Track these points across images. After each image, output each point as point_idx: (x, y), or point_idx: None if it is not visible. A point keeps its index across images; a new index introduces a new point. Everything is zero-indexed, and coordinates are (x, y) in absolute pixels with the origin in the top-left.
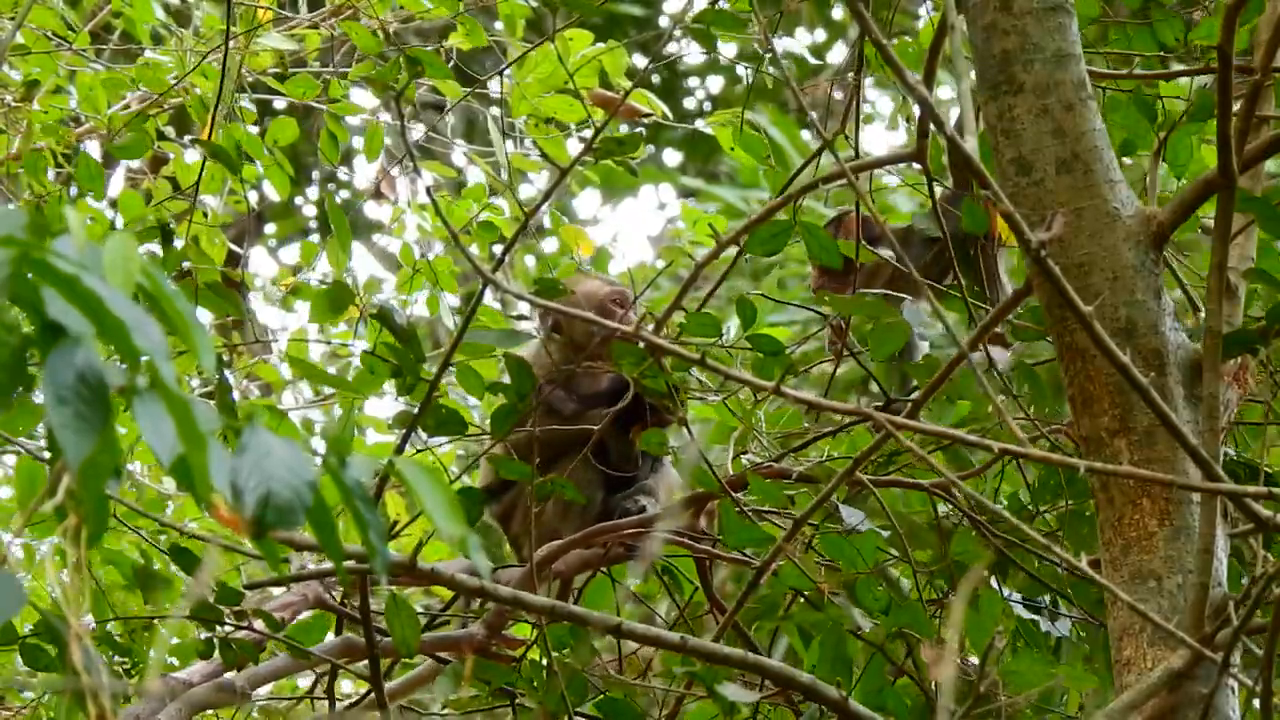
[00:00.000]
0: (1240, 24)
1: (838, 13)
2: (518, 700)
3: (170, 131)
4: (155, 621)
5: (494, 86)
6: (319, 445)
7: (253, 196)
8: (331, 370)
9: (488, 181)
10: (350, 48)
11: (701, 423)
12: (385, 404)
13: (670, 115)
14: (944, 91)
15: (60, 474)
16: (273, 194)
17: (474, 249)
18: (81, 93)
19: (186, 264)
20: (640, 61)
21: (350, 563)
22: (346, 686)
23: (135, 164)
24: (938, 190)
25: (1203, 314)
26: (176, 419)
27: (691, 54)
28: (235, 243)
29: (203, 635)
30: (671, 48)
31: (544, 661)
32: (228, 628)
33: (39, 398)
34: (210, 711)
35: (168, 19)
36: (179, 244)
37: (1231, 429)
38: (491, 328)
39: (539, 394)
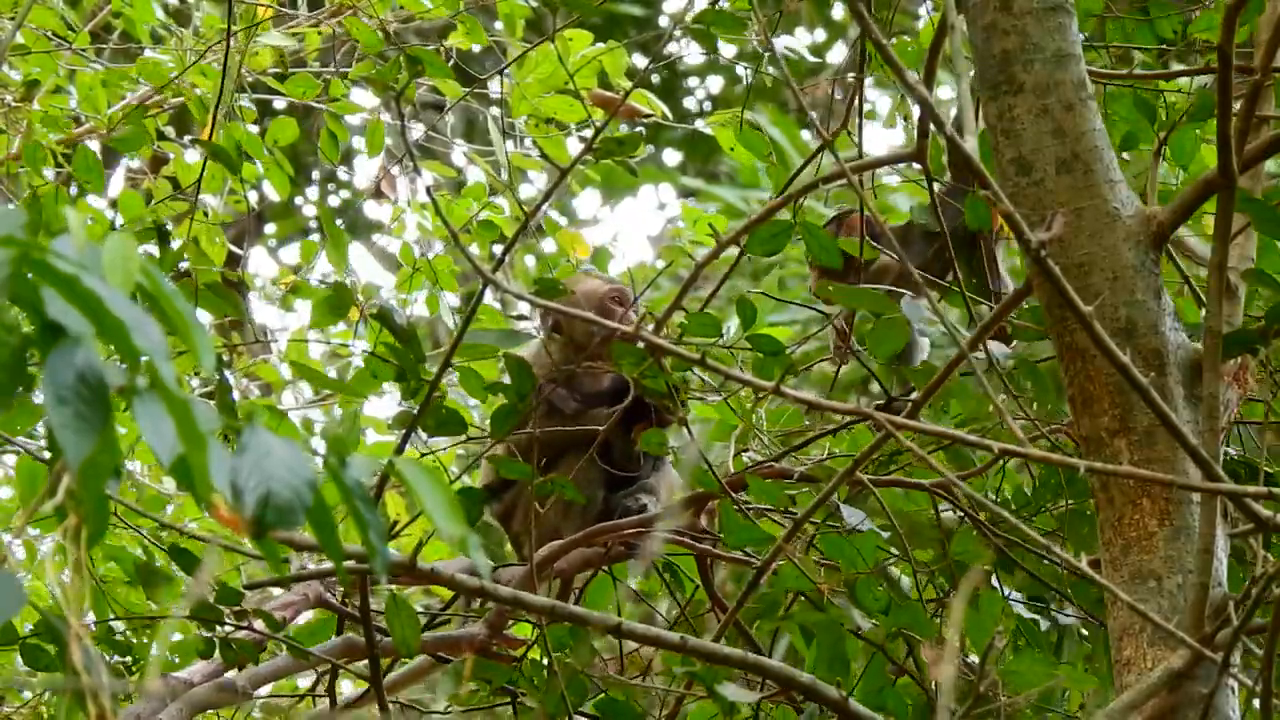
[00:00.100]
0: (1240, 24)
1: (838, 12)
2: (519, 700)
3: (170, 131)
4: (156, 621)
5: (494, 86)
6: (319, 445)
7: (253, 196)
8: (331, 370)
9: (488, 181)
10: (350, 47)
11: (702, 422)
12: (385, 404)
13: (670, 115)
14: (944, 91)
15: (60, 474)
16: (273, 194)
17: (474, 248)
18: (81, 93)
19: (185, 264)
20: (640, 61)
21: (350, 563)
22: (346, 686)
23: (135, 164)
24: (937, 185)
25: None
26: (176, 419)
27: (691, 54)
28: (235, 243)
29: (203, 635)
30: (671, 48)
31: (545, 661)
32: (228, 627)
33: (39, 398)
34: (211, 711)
35: (168, 19)
36: (178, 244)
37: (1232, 428)
38: (491, 328)
39: (540, 394)
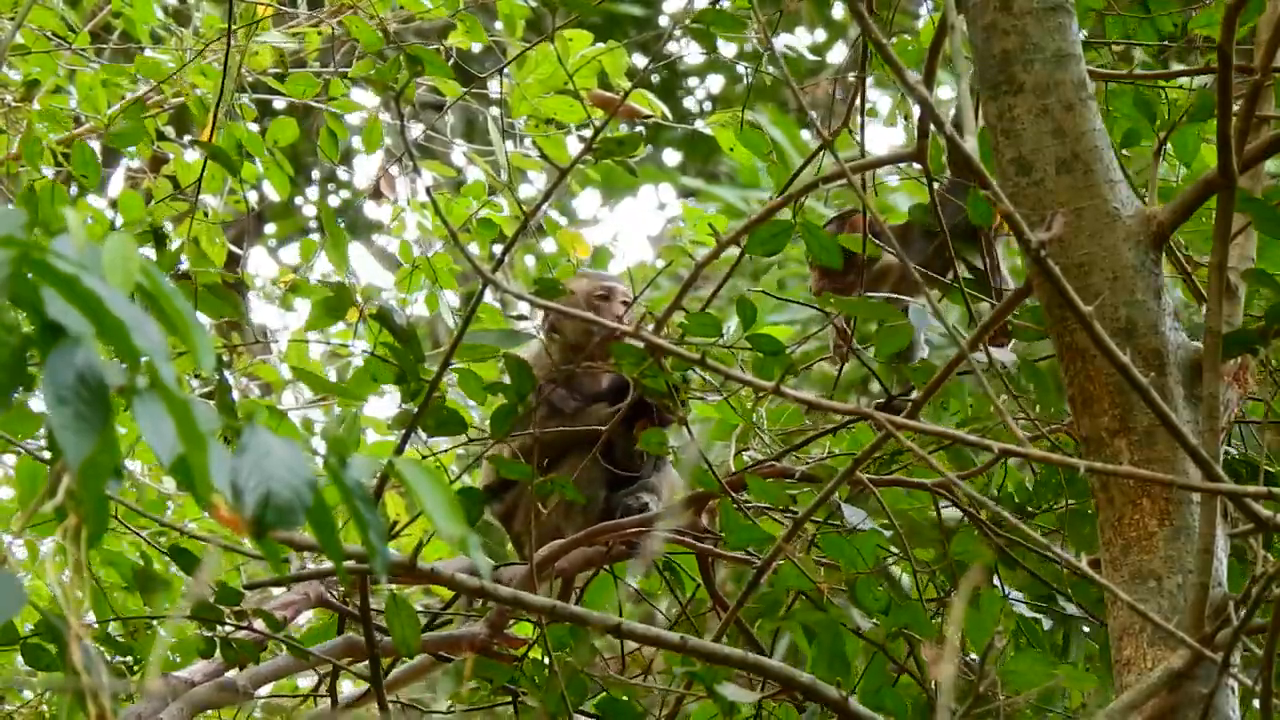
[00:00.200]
0: (1240, 23)
1: (838, 12)
2: (520, 700)
3: (170, 131)
4: (155, 623)
5: (494, 86)
6: (319, 445)
7: (252, 196)
8: (331, 370)
9: (487, 180)
10: (350, 47)
11: (702, 422)
12: (385, 404)
13: (670, 115)
14: (944, 91)
15: (60, 474)
16: (273, 194)
17: (474, 247)
18: (81, 93)
19: (185, 263)
20: (640, 61)
21: (350, 563)
22: (346, 686)
23: (135, 164)
24: (937, 184)
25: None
26: (176, 419)
27: (691, 54)
28: (235, 243)
29: (203, 635)
30: (671, 47)
31: (545, 660)
32: (228, 627)
33: (37, 406)
34: (212, 711)
35: (168, 19)
36: (178, 244)
37: (1232, 427)
38: (491, 328)
39: (540, 394)
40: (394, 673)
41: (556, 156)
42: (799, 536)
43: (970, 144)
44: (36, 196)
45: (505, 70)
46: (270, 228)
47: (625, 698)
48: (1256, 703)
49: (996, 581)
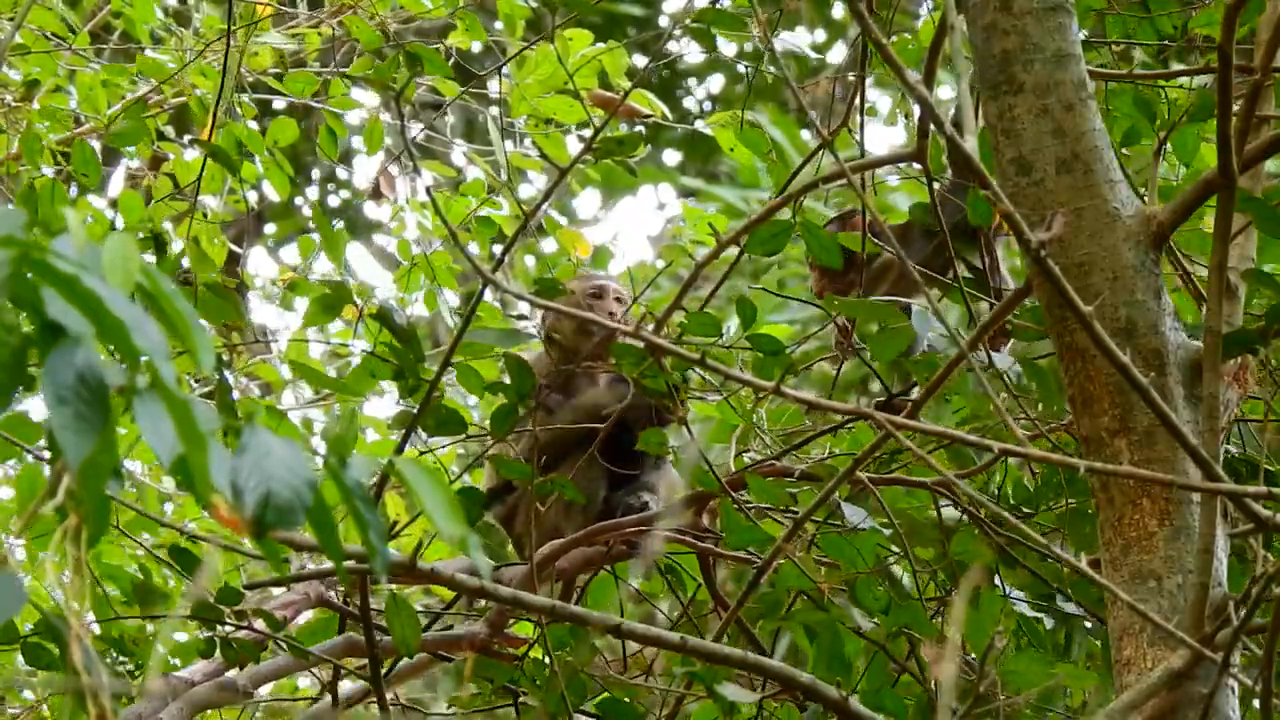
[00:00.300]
0: (1240, 23)
1: (838, 12)
2: (521, 700)
3: (170, 131)
4: (155, 627)
5: (493, 86)
6: (319, 445)
7: (252, 196)
8: (331, 370)
9: (487, 180)
10: (350, 47)
11: (702, 422)
12: (385, 404)
13: (670, 115)
14: (944, 91)
15: (60, 474)
16: (273, 194)
17: (473, 247)
18: (81, 93)
19: (185, 263)
20: (640, 61)
21: (350, 563)
22: (345, 686)
23: (135, 163)
24: (937, 183)
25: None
26: (176, 419)
27: (692, 54)
28: (235, 243)
29: (203, 635)
30: (671, 47)
31: (546, 660)
32: (228, 627)
33: (36, 415)
34: (212, 710)
35: (168, 19)
36: (178, 244)
37: (1232, 427)
38: (492, 327)
39: (535, 396)
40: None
41: (556, 156)
42: (799, 536)
43: (970, 144)
44: (36, 195)
45: (505, 70)
46: (270, 228)
47: (626, 698)
48: (1256, 703)
49: (997, 581)
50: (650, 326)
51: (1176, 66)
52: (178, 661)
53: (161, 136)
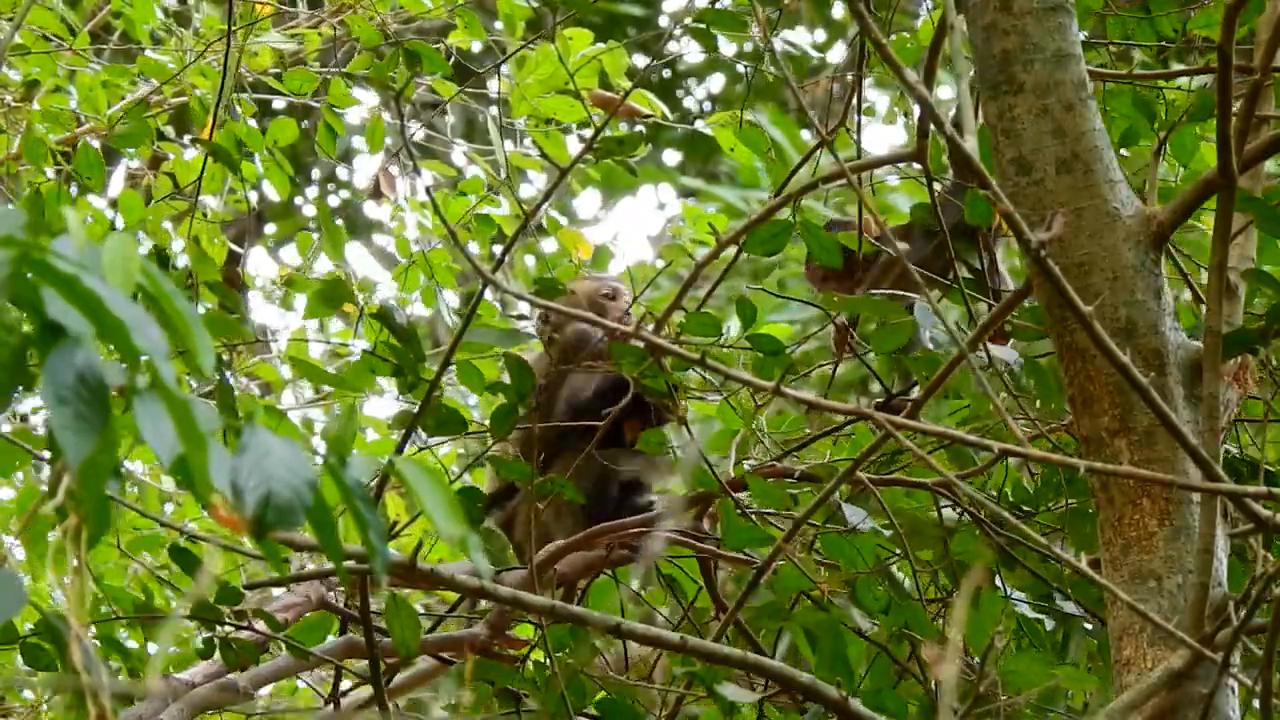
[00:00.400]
0: (1240, 23)
1: (838, 12)
2: (522, 704)
3: (170, 131)
4: (156, 626)
5: (493, 86)
6: (319, 445)
7: (253, 196)
8: (331, 370)
9: (486, 178)
10: (350, 48)
11: (702, 422)
12: (385, 404)
13: (670, 115)
14: (944, 91)
15: (60, 474)
16: (273, 194)
17: (473, 246)
18: (81, 93)
19: (184, 261)
20: (640, 61)
21: (350, 563)
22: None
23: (135, 163)
24: (938, 185)
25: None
26: (176, 419)
27: (692, 53)
28: (235, 243)
29: (203, 636)
30: (671, 47)
31: (546, 661)
32: (228, 628)
33: (36, 428)
34: (213, 712)
35: (168, 20)
36: (178, 244)
37: (1232, 427)
38: (492, 326)
39: (539, 396)
40: (398, 680)
41: (556, 156)
42: (800, 538)
43: (970, 144)
44: (42, 200)
45: (505, 69)
46: (270, 228)
47: (626, 699)
48: (1256, 703)
49: (998, 582)
50: (650, 326)
51: (1176, 67)
52: (173, 670)
53: (161, 136)
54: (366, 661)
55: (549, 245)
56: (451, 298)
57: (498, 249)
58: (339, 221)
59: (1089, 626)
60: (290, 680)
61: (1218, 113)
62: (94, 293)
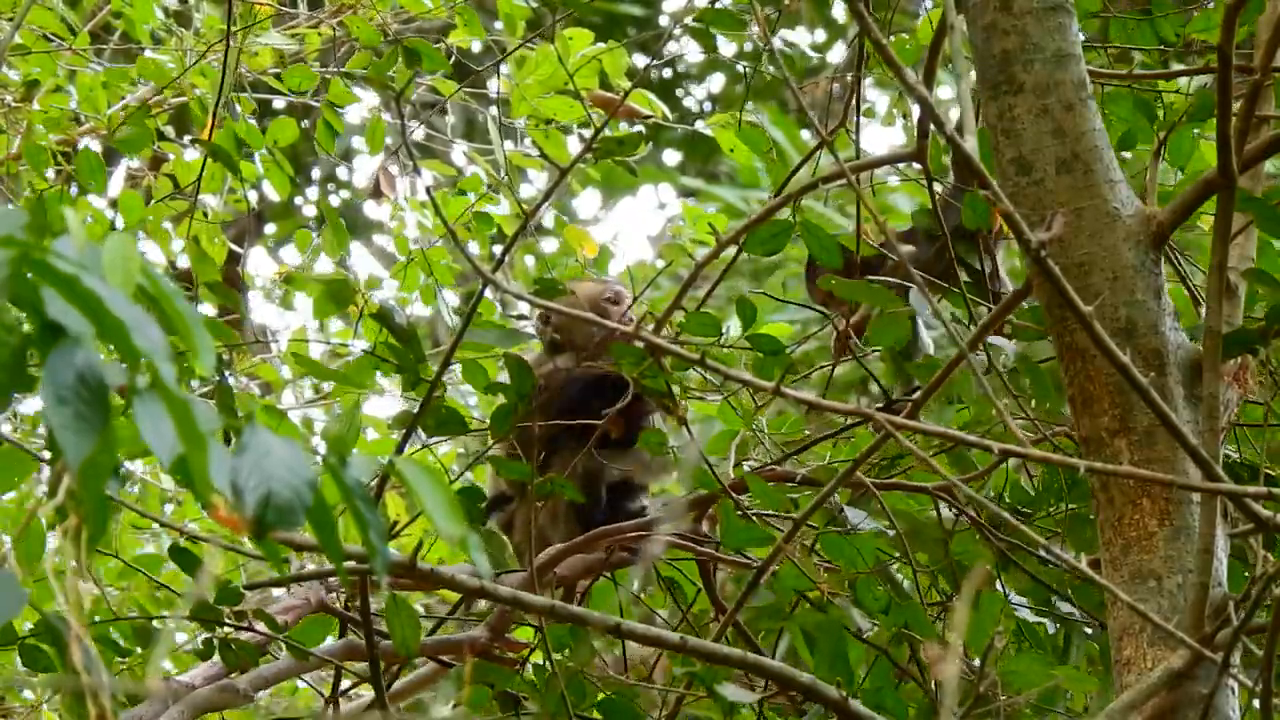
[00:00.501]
0: (1240, 24)
1: (838, 12)
2: (521, 708)
3: (170, 131)
4: (157, 626)
5: (493, 86)
6: (319, 445)
7: (253, 196)
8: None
9: (486, 177)
10: (350, 48)
11: (702, 421)
12: (385, 404)
13: (670, 115)
14: (944, 91)
15: (60, 474)
16: (273, 194)
17: (473, 246)
18: (81, 93)
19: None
20: (640, 61)
21: (350, 563)
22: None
23: (135, 163)
24: (939, 187)
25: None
26: (176, 419)
27: (692, 53)
28: (235, 243)
29: (203, 637)
30: (671, 47)
31: (545, 664)
32: (228, 629)
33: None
34: (213, 713)
35: (168, 19)
36: (178, 244)
37: (1231, 429)
38: (492, 326)
39: (542, 393)
40: (398, 684)
41: (556, 156)
42: (800, 540)
43: (970, 144)
44: (44, 205)
45: (505, 69)
46: (270, 228)
47: (625, 699)
48: (1256, 703)
49: (998, 585)
50: (650, 326)
51: (1176, 67)
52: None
53: (161, 136)
54: (365, 663)
55: (549, 245)
56: (451, 297)
57: (498, 249)
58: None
59: (1089, 630)
60: (291, 681)
61: (1218, 113)
62: (94, 293)
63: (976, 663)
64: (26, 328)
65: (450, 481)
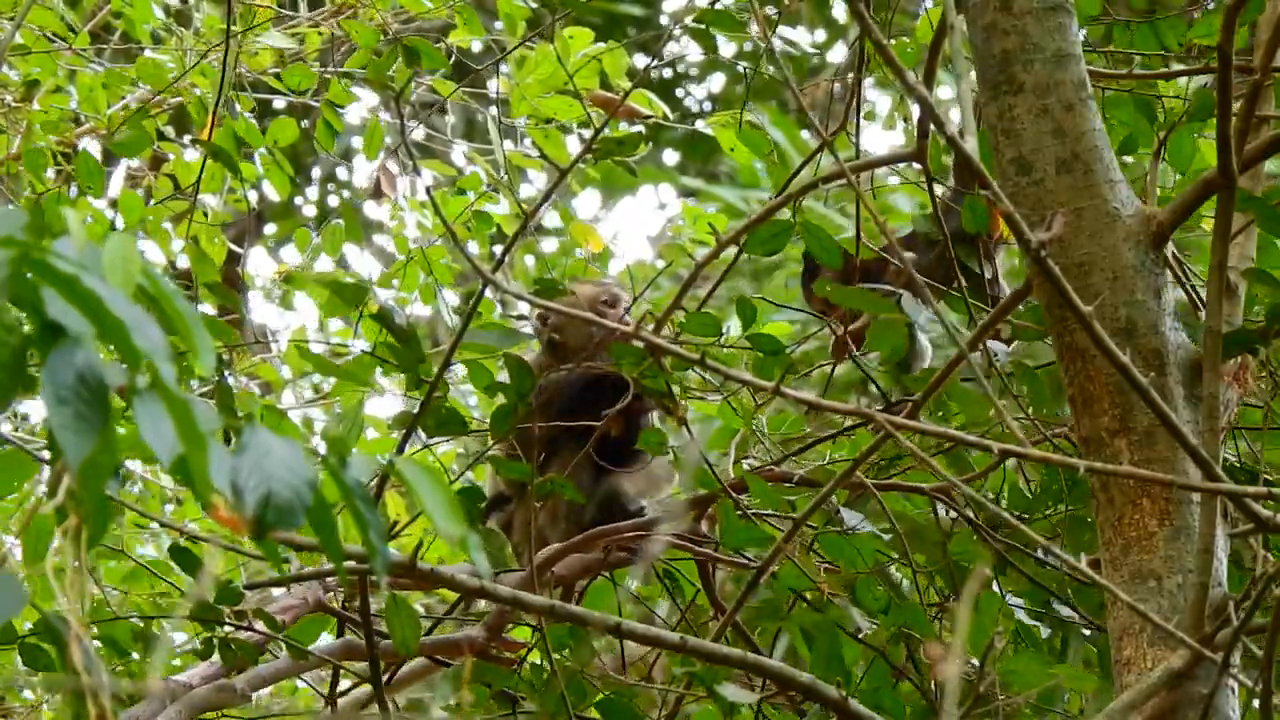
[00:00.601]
0: (1240, 24)
1: (838, 12)
2: (519, 706)
3: (170, 131)
4: (156, 625)
5: (493, 86)
6: (319, 445)
7: (253, 196)
8: None
9: (485, 176)
10: (350, 48)
11: (702, 421)
12: (385, 403)
13: (670, 115)
14: (944, 91)
15: (60, 474)
16: (273, 194)
17: (473, 246)
18: (81, 93)
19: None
20: (640, 62)
21: (350, 563)
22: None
23: (135, 163)
24: (940, 190)
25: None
26: (176, 419)
27: (692, 53)
28: (235, 243)
29: (203, 637)
30: (672, 47)
31: (544, 663)
32: (227, 628)
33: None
34: (211, 713)
35: (168, 19)
36: (178, 244)
37: (1231, 431)
38: (492, 325)
39: (541, 393)
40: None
41: (556, 156)
42: (799, 540)
43: (970, 144)
44: (42, 206)
45: (505, 69)
46: (270, 228)
47: (625, 699)
48: (1256, 703)
49: (995, 586)
50: (650, 326)
51: (1177, 67)
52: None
53: (161, 136)
54: (363, 662)
55: (549, 245)
56: (451, 297)
57: (498, 249)
58: (339, 221)
59: (1087, 634)
60: (290, 681)
61: (1218, 113)
62: (94, 293)
63: (976, 663)
64: (26, 328)
65: (450, 481)
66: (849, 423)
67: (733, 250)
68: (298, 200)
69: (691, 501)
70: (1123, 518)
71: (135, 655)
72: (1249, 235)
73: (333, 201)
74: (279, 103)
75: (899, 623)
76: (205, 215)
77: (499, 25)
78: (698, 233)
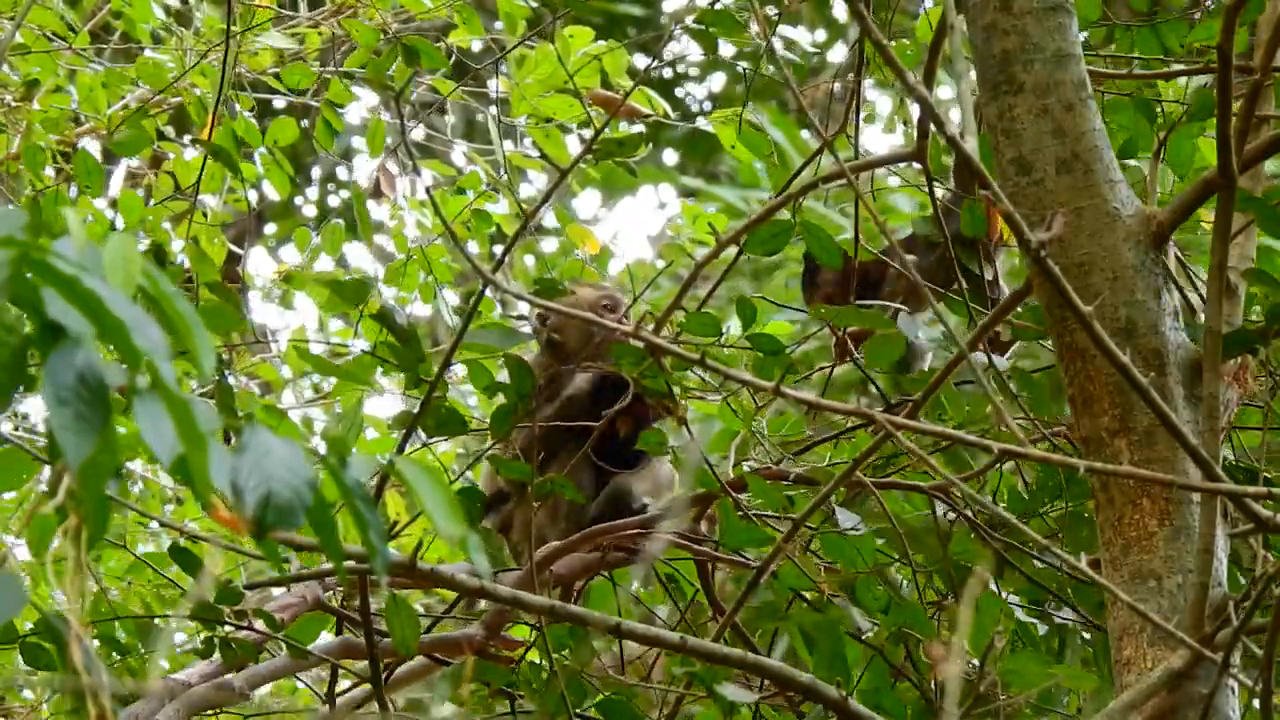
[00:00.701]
0: (1240, 24)
1: (838, 12)
2: (517, 704)
3: (170, 131)
4: (156, 624)
5: (493, 86)
6: (319, 445)
7: (252, 196)
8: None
9: (485, 176)
10: (350, 48)
11: (702, 421)
12: (385, 403)
13: (670, 114)
14: (944, 92)
15: (60, 474)
16: (273, 194)
17: (473, 246)
18: (81, 93)
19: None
20: (641, 61)
21: (350, 563)
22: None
23: (135, 162)
24: (940, 191)
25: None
26: (176, 419)
27: (693, 53)
28: (235, 243)
29: (202, 636)
30: (673, 48)
31: (543, 663)
32: (227, 628)
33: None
34: (210, 712)
35: (168, 19)
36: (178, 244)
37: (1230, 432)
38: (493, 326)
39: (542, 393)
40: (392, 675)
41: (556, 156)
42: (798, 539)
43: (970, 144)
44: (41, 206)
45: (505, 69)
46: (270, 228)
47: (625, 698)
48: (1256, 703)
49: (993, 585)
50: (650, 326)
51: (1177, 66)
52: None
53: (161, 136)
54: (363, 661)
55: (549, 245)
56: (451, 297)
57: (498, 249)
58: (339, 221)
59: (1087, 637)
60: (289, 680)
61: (1218, 113)
62: (94, 293)
63: (975, 663)
64: (27, 328)
65: (450, 481)
66: (850, 424)
67: (733, 250)
68: (298, 200)
69: (691, 500)
70: (1123, 518)
71: (136, 652)
72: (1249, 235)
73: (333, 201)
74: (279, 102)
75: (899, 623)
76: (205, 215)
77: (499, 25)
78: (698, 233)
